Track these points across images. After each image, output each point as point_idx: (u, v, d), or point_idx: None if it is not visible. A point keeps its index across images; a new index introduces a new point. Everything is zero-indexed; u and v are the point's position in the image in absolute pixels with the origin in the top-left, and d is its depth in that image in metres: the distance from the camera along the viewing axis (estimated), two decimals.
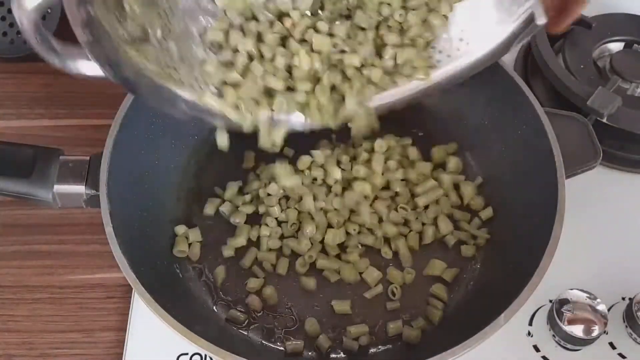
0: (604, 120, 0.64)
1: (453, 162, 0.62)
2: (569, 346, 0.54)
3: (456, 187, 0.61)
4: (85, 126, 0.70)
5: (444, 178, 0.61)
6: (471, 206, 0.60)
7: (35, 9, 0.41)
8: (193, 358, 0.54)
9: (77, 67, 0.45)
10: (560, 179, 0.52)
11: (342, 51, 0.52)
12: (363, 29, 0.53)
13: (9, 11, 0.69)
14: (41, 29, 0.42)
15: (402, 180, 0.61)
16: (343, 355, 0.53)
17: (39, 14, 0.41)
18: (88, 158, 0.53)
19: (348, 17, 0.53)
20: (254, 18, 0.51)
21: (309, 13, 0.52)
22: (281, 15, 0.52)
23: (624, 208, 0.64)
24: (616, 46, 0.73)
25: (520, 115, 0.57)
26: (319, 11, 0.53)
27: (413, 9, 0.53)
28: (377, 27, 0.53)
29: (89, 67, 0.44)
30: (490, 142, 0.61)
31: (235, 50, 0.51)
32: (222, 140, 0.53)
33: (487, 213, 0.59)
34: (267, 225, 0.58)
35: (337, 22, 0.52)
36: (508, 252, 0.55)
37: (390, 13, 0.53)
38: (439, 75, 0.55)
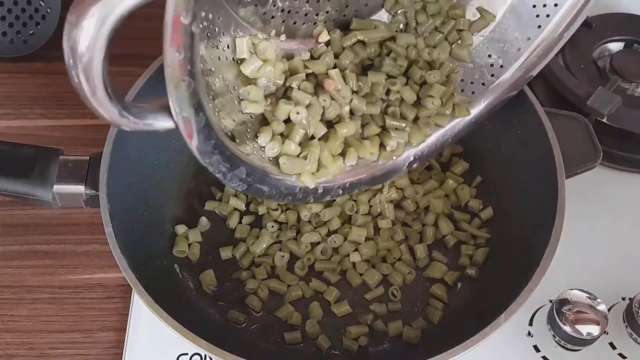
0: (604, 120, 0.64)
1: (460, 166, 0.62)
2: (569, 346, 0.54)
3: (455, 188, 0.61)
4: (85, 126, 0.70)
5: (448, 181, 0.61)
6: (471, 207, 0.60)
7: (92, 46, 0.31)
8: (193, 358, 0.54)
9: (145, 122, 0.38)
10: (561, 179, 0.52)
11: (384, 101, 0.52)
12: (392, 77, 0.52)
13: (9, 11, 0.69)
14: (105, 75, 0.33)
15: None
16: (343, 356, 0.53)
17: (103, 51, 0.32)
18: (88, 158, 0.53)
19: (371, 66, 0.53)
20: (284, 84, 0.49)
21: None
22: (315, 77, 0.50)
23: (624, 208, 0.64)
24: (616, 46, 0.73)
25: (520, 115, 0.57)
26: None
27: (434, 46, 0.53)
28: (405, 74, 0.53)
29: (159, 123, 0.38)
30: (491, 142, 0.61)
31: (286, 121, 0.48)
32: None
33: (487, 213, 0.59)
34: (266, 226, 0.58)
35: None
36: (508, 252, 0.55)
37: (418, 55, 0.52)
38: (477, 106, 0.55)
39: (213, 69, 0.43)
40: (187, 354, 0.54)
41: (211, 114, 0.41)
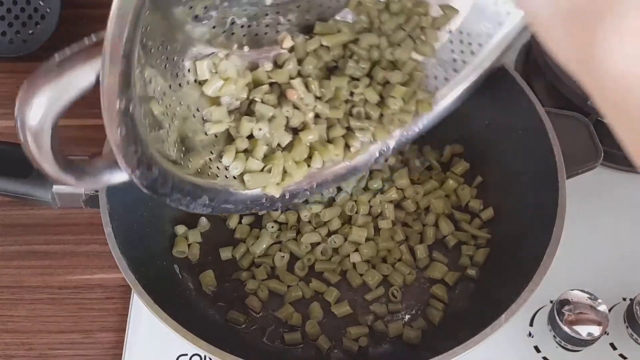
0: (605, 120, 0.64)
1: (461, 166, 0.62)
2: (569, 347, 0.54)
3: (456, 188, 0.61)
4: (85, 126, 0.69)
5: (449, 181, 0.61)
6: (471, 207, 0.60)
7: (42, 123, 0.33)
8: (192, 359, 0.54)
9: (102, 180, 0.39)
10: (561, 179, 0.52)
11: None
12: (356, 79, 0.52)
13: (8, 11, 0.69)
14: (55, 149, 0.35)
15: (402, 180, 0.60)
16: (343, 356, 0.53)
17: (50, 129, 0.34)
18: (87, 158, 0.53)
19: (335, 68, 0.53)
20: (247, 97, 0.49)
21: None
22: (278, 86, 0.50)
23: (625, 208, 0.64)
24: None
25: (521, 115, 0.57)
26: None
27: (398, 44, 0.53)
28: (369, 75, 0.53)
29: (114, 177, 0.39)
30: (491, 142, 0.61)
31: (250, 136, 0.49)
32: None
33: (487, 213, 0.59)
34: (266, 226, 0.58)
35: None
36: (509, 252, 0.55)
37: (381, 55, 0.52)
38: (441, 100, 0.56)
39: (174, 98, 0.44)
40: (186, 354, 0.54)
41: (164, 161, 0.42)
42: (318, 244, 0.57)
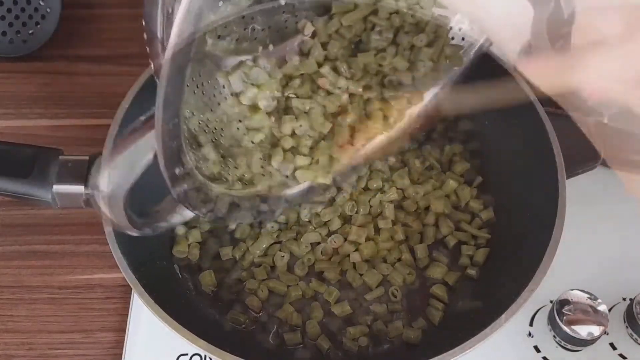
0: (605, 121, 0.64)
1: (461, 166, 0.62)
2: (569, 347, 0.54)
3: (455, 188, 0.61)
4: (85, 126, 0.70)
5: (449, 181, 0.61)
6: (471, 207, 0.60)
7: (114, 189, 0.39)
8: (193, 358, 0.54)
9: (168, 223, 0.46)
10: (561, 180, 0.52)
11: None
12: (382, 50, 0.51)
13: (9, 10, 0.69)
14: (126, 208, 0.42)
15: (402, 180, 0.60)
16: (343, 356, 0.53)
17: (124, 195, 0.40)
18: (87, 158, 0.53)
19: (360, 42, 0.52)
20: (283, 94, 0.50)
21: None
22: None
23: (624, 209, 0.63)
24: None
25: (520, 116, 0.57)
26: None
27: (417, 4, 0.51)
28: (394, 41, 0.52)
29: (184, 215, 0.46)
30: (491, 142, 0.61)
31: (293, 134, 0.50)
32: None
33: (487, 214, 0.59)
34: (266, 226, 0.58)
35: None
36: (508, 252, 0.55)
37: (402, 19, 0.51)
38: (470, 51, 0.54)
39: (216, 118, 0.47)
40: (186, 354, 0.54)
41: (227, 190, 0.47)
42: (318, 243, 0.57)
